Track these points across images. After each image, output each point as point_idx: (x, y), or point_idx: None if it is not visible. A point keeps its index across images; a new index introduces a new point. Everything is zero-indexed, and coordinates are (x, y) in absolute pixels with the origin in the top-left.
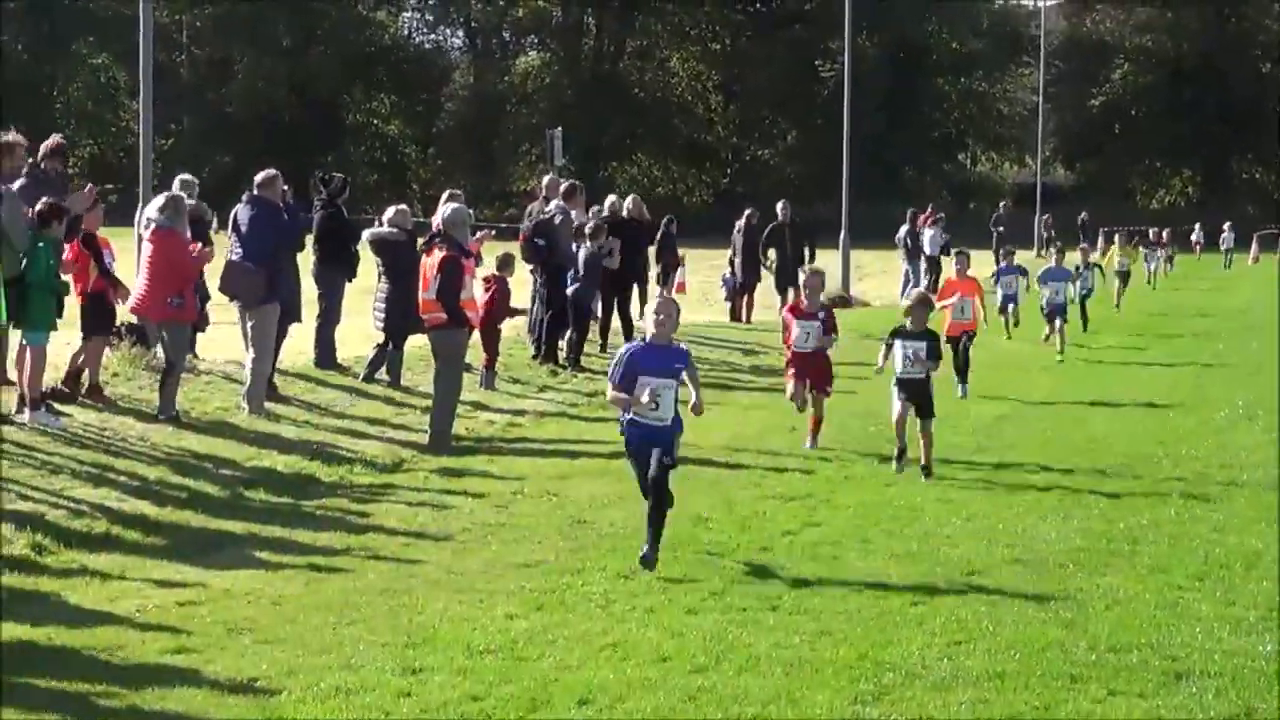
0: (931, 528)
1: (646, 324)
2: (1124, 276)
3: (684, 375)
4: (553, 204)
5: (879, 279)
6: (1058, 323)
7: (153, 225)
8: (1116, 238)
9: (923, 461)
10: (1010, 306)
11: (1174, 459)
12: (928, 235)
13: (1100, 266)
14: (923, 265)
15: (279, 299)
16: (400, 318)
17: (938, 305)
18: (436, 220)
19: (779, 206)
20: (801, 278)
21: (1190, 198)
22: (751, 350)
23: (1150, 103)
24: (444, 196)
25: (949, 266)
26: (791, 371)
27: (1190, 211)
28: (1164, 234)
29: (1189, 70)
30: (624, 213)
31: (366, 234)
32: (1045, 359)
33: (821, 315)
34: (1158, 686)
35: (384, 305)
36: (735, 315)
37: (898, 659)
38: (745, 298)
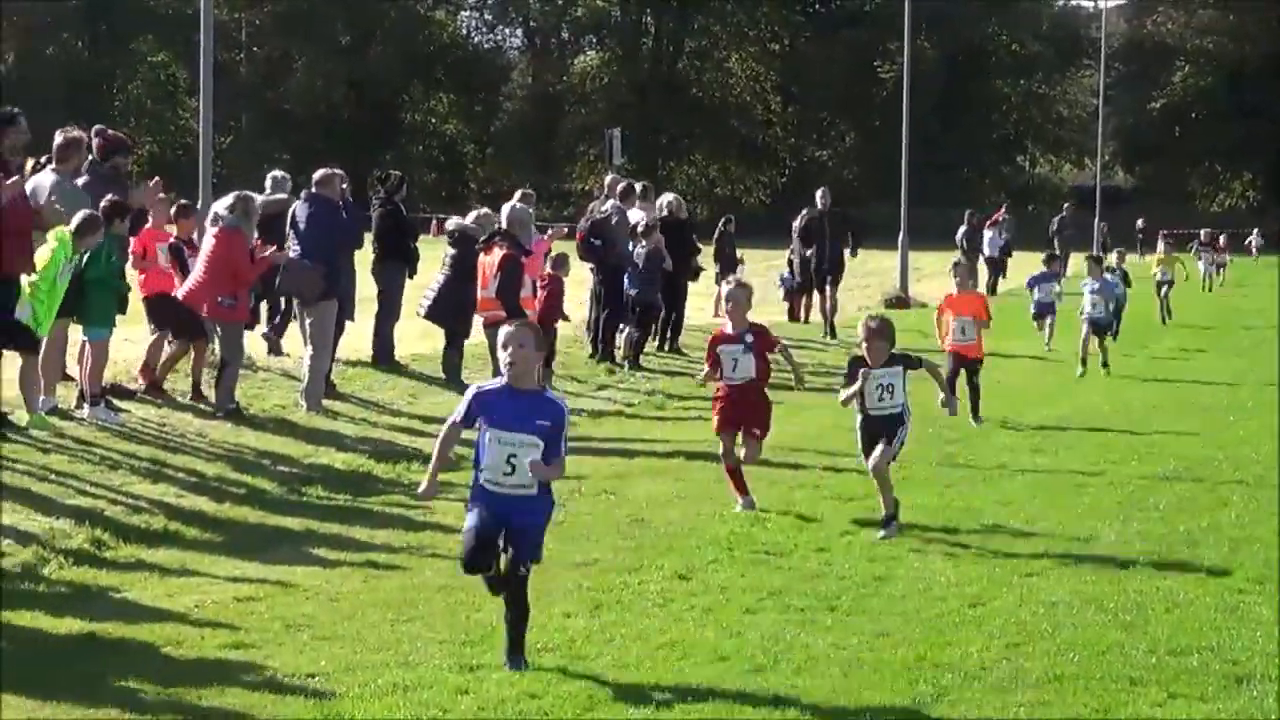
0: (990, 529)
1: (501, 358)
2: (1165, 287)
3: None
4: (609, 203)
5: (938, 280)
6: (1088, 334)
7: (220, 222)
8: (1161, 245)
9: (885, 510)
10: (1048, 318)
11: (1234, 462)
12: (987, 236)
13: (1125, 272)
14: (981, 267)
15: (337, 296)
16: (455, 314)
17: (937, 336)
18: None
19: (818, 195)
20: (725, 289)
21: (1251, 201)
22: (810, 349)
23: (1211, 105)
24: (517, 195)
25: (977, 268)
26: (719, 409)
27: (1251, 215)
28: (1220, 237)
29: (1250, 73)
30: (665, 212)
31: (452, 222)
32: (1095, 364)
33: (749, 338)
34: (1218, 690)
35: (434, 293)
36: (794, 314)
37: (956, 660)
38: (804, 297)
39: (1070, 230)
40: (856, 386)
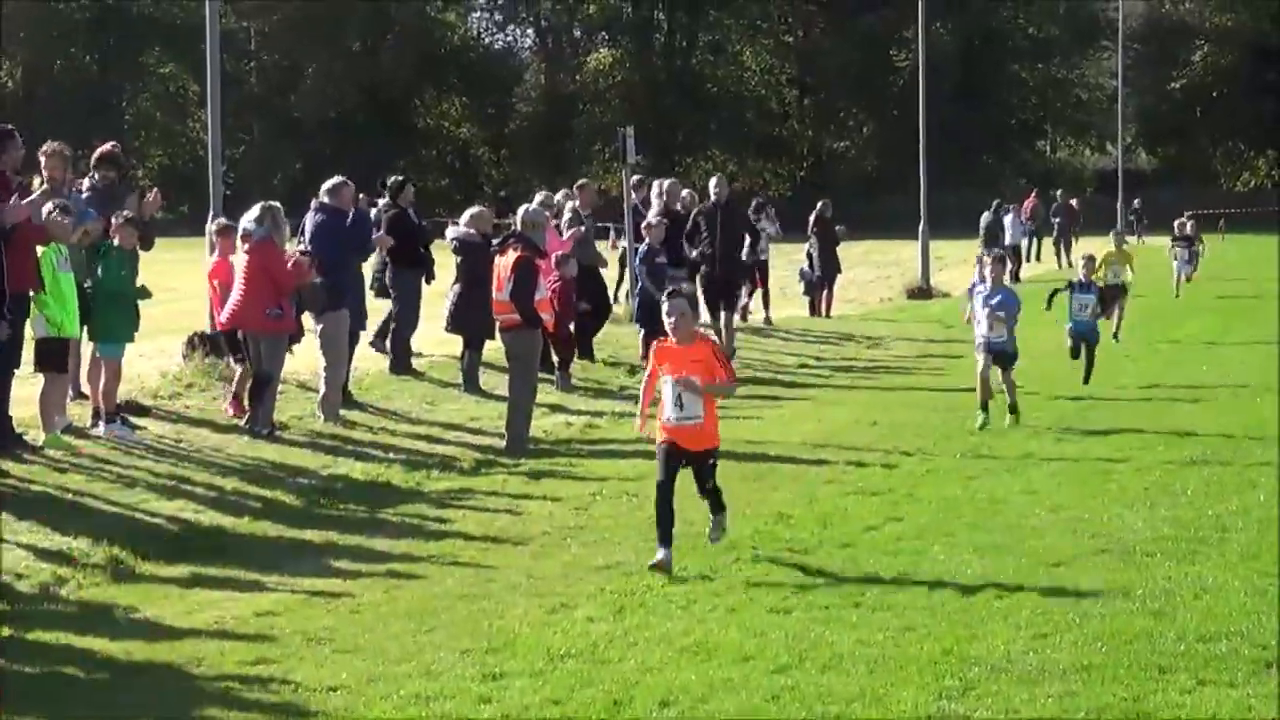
0: (1016, 520)
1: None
2: (1118, 292)
3: None
4: (566, 206)
5: (959, 269)
6: (999, 372)
7: (250, 237)
8: (1189, 225)
9: None
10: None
11: (1261, 444)
12: (1007, 223)
13: (1094, 284)
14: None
15: (345, 307)
16: (473, 321)
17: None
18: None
19: (712, 184)
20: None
21: (1276, 179)
22: (831, 344)
23: (1232, 84)
24: (538, 197)
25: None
26: None
27: (1277, 193)
28: (1189, 225)
29: (1272, 50)
30: (676, 205)
31: (448, 232)
32: (1125, 348)
33: None
34: (1248, 676)
35: (452, 306)
36: (814, 309)
37: (983, 653)
38: (824, 291)
39: (1062, 218)
40: None
